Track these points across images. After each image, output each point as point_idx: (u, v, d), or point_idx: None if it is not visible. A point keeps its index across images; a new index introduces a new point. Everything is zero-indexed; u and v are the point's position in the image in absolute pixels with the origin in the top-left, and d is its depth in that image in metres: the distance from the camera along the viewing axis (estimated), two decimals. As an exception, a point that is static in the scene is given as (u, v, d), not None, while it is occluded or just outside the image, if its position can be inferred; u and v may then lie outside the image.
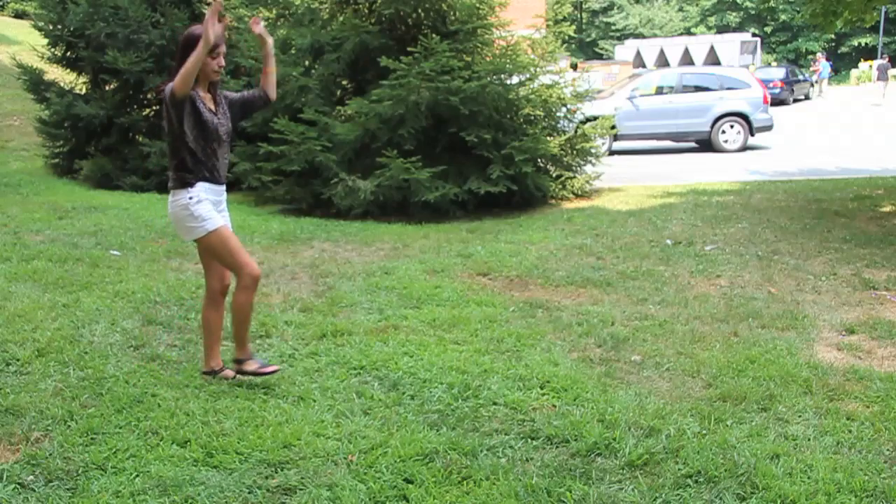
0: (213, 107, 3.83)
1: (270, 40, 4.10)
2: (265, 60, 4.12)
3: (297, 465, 3.15)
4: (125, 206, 9.19)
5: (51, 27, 12.67)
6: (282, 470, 3.11)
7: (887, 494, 2.92)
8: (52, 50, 12.73)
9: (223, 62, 3.85)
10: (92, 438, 3.31)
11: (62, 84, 12.81)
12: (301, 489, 2.98)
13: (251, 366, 3.96)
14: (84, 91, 12.73)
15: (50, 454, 3.15)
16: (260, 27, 4.05)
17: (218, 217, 3.83)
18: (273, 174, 9.79)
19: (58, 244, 6.84)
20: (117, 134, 12.20)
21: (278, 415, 3.59)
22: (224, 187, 3.96)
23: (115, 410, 3.58)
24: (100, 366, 4.11)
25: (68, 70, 12.95)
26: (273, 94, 4.14)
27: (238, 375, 4.02)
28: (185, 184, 3.76)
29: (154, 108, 12.73)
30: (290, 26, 10.75)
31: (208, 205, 3.80)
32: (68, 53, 12.71)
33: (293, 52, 10.59)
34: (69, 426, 3.41)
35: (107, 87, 12.49)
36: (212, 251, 3.90)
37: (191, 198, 3.75)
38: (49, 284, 5.59)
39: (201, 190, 3.78)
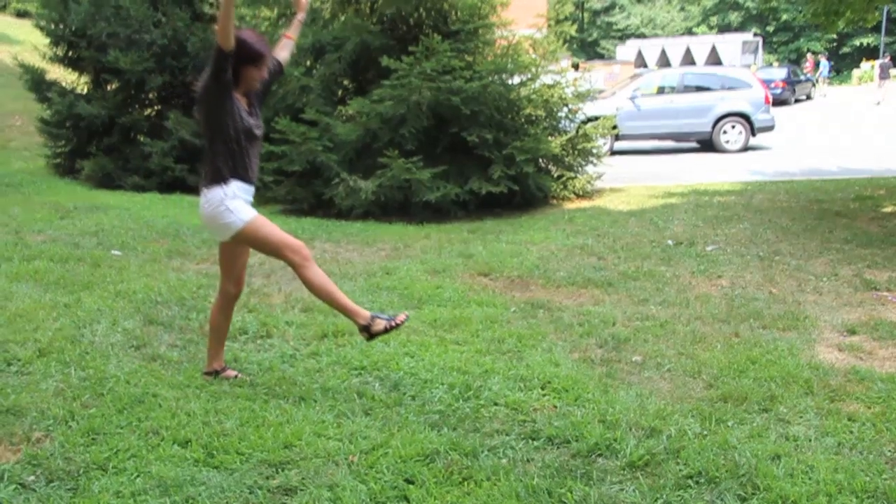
0: (248, 108, 3.81)
1: (303, 13, 4.15)
2: (293, 26, 4.15)
3: (297, 465, 3.15)
4: (127, 205, 9.20)
5: (52, 27, 12.68)
6: (283, 470, 3.11)
7: (888, 495, 2.92)
8: (54, 49, 12.74)
9: (266, 75, 3.85)
10: (93, 438, 3.31)
11: (64, 84, 12.83)
12: (302, 489, 2.98)
13: (379, 324, 3.80)
14: (86, 91, 12.75)
15: (51, 454, 3.15)
16: None
17: (252, 209, 3.80)
18: (274, 174, 9.79)
19: (59, 244, 6.84)
20: (119, 134, 12.21)
21: (279, 415, 3.59)
22: (253, 188, 3.90)
23: (116, 410, 3.58)
24: (101, 366, 4.11)
25: (70, 70, 12.97)
26: (287, 58, 4.13)
27: (239, 376, 4.02)
28: (221, 180, 3.72)
29: (156, 107, 12.76)
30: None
31: (242, 202, 3.77)
32: (70, 53, 12.73)
33: (294, 51, 10.58)
34: (70, 426, 3.41)
35: (108, 87, 12.52)
36: (252, 242, 3.84)
37: (225, 194, 3.71)
38: (50, 284, 5.59)
39: (235, 188, 3.74)
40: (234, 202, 3.72)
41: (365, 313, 3.83)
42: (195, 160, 11.61)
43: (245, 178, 3.78)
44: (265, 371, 4.18)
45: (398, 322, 3.81)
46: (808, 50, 49.39)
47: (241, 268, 4.04)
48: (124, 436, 3.34)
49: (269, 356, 4.41)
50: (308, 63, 10.58)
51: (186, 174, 11.59)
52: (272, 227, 3.80)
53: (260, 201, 10.33)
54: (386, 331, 3.82)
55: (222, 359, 4.11)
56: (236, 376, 4.04)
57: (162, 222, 8.09)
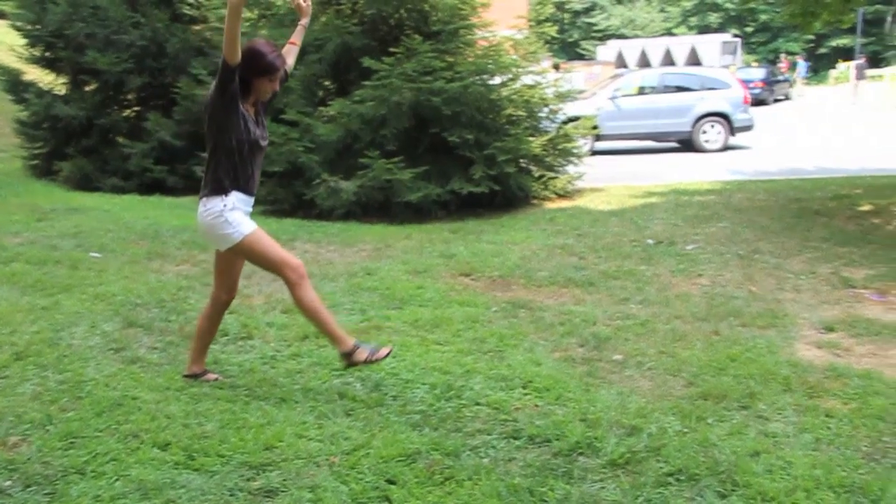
0: (255, 117, 3.78)
1: (307, 18, 4.12)
2: (297, 32, 4.13)
3: (279, 466, 3.14)
4: (105, 207, 9.14)
5: (29, 27, 12.56)
6: (264, 472, 3.10)
7: (865, 490, 2.95)
8: (31, 50, 12.62)
9: (278, 87, 3.84)
10: (71, 442, 3.28)
11: (41, 84, 12.70)
12: (283, 491, 2.97)
13: (361, 354, 3.83)
14: (63, 92, 12.65)
15: (28, 459, 3.12)
16: None
17: (251, 222, 3.78)
18: (255, 175, 9.73)
19: (37, 246, 6.78)
20: (97, 135, 12.12)
21: (260, 417, 3.57)
22: (253, 199, 3.87)
23: (94, 414, 3.55)
24: (79, 369, 4.07)
25: (47, 70, 12.86)
26: (292, 64, 4.13)
27: (219, 378, 4.01)
28: (221, 191, 3.69)
29: (135, 109, 12.67)
30: (271, 27, 10.69)
31: (241, 213, 3.74)
32: (47, 54, 12.62)
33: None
34: (48, 430, 3.38)
35: (86, 88, 12.42)
36: (249, 255, 3.82)
37: (224, 205, 3.69)
38: (28, 287, 5.54)
39: (235, 199, 3.71)
40: (234, 214, 3.70)
41: (349, 341, 3.85)
42: (175, 161, 11.55)
43: (246, 190, 3.77)
44: (246, 373, 4.17)
45: (380, 356, 3.85)
46: (786, 51, 49.87)
47: (236, 276, 4.02)
48: (103, 439, 3.31)
49: (249, 358, 4.39)
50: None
51: (166, 175, 11.52)
52: (270, 242, 3.80)
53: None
54: (366, 362, 3.85)
55: (203, 363, 4.08)
56: (216, 379, 4.02)
57: (142, 224, 8.04)
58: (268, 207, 9.96)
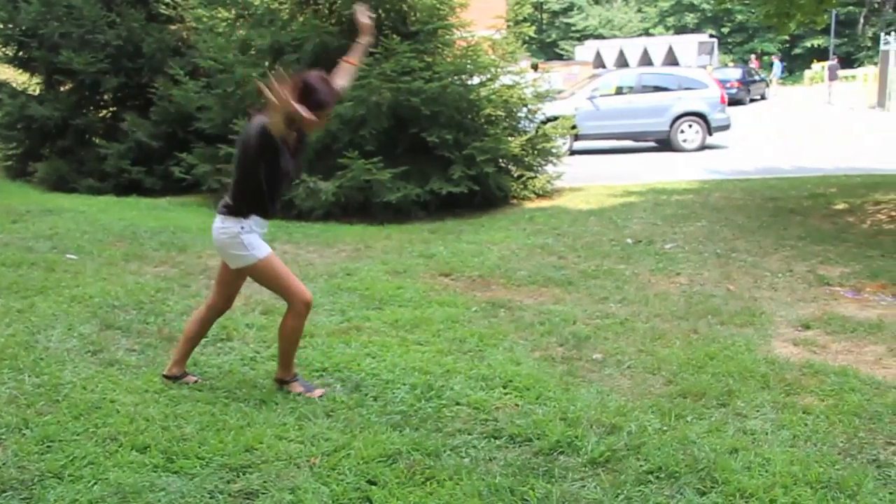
0: (294, 145, 3.72)
1: (367, 37, 4.09)
2: (356, 51, 4.09)
3: (259, 468, 3.12)
4: (81, 208, 9.04)
5: (2, 26, 12.40)
6: (244, 474, 3.08)
7: (841, 485, 2.98)
8: (4, 50, 12.47)
9: (324, 124, 3.84)
10: (48, 446, 3.24)
11: (15, 85, 12.55)
12: (263, 493, 2.96)
13: (296, 388, 3.89)
14: (38, 92, 12.52)
15: (3, 463, 3.08)
16: (365, 16, 4.04)
17: (265, 245, 3.77)
18: (233, 176, 9.69)
19: (12, 248, 6.70)
20: (73, 136, 12.00)
21: (240, 418, 3.56)
22: (268, 222, 3.86)
23: (72, 417, 3.51)
24: (56, 372, 4.03)
25: (21, 70, 12.71)
26: (346, 86, 4.09)
27: (199, 380, 3.99)
28: (239, 214, 3.68)
29: (111, 109, 12.56)
30: (249, 27, 10.66)
31: (257, 237, 3.73)
32: (21, 53, 12.47)
33: (253, 52, 10.51)
34: (24, 434, 3.34)
35: (61, 88, 12.29)
36: (260, 279, 3.83)
37: (242, 228, 3.67)
38: (3, 289, 5.47)
39: (252, 223, 3.70)
40: (250, 237, 3.69)
41: (292, 372, 3.94)
42: (152, 162, 11.46)
43: (265, 214, 3.77)
44: (225, 374, 4.14)
45: (312, 395, 3.86)
46: (760, 50, 50.37)
47: (237, 289, 4.00)
48: (81, 443, 3.28)
49: (229, 359, 4.36)
50: (267, 64, 10.48)
51: (144, 176, 11.42)
52: (283, 269, 3.82)
53: (219, 203, 10.26)
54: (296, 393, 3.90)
55: (184, 365, 4.05)
56: (196, 381, 3.99)
57: (118, 225, 7.96)
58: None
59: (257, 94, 9.49)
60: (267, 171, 3.62)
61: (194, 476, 3.05)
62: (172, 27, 12.24)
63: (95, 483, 2.98)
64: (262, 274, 3.78)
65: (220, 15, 11.05)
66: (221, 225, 3.72)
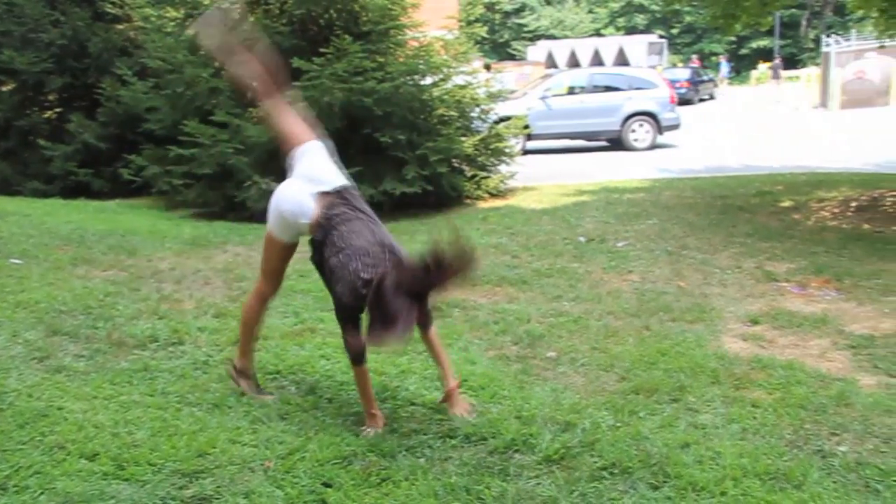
0: None
1: None
2: None
3: (212, 473, 3.08)
4: (27, 212, 8.81)
5: (-61, 25, 12.07)
6: (197, 479, 3.04)
7: (788, 476, 3.05)
8: (-60, 48, 12.13)
9: None
10: (-7, 456, 3.16)
11: (-46, 85, 12.23)
12: (217, 498, 2.92)
13: (243, 383, 3.85)
14: (-22, 92, 12.19)
15: (-53, 474, 3.00)
16: None
17: None
18: (184, 178, 9.57)
19: (-47, 253, 6.52)
20: (16, 137, 11.73)
21: (192, 423, 3.50)
22: None
23: (17, 426, 3.42)
24: (0, 380, 3.93)
25: (-40, 70, 12.38)
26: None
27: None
28: None
29: (57, 110, 12.29)
30: (198, 26, 10.52)
31: None
32: (-41, 53, 12.15)
33: (202, 52, 10.36)
34: (-32, 444, 3.25)
35: (3, 88, 11.99)
36: (265, 246, 3.80)
37: None
38: (-56, 296, 5.32)
39: None
40: None
41: (249, 365, 3.89)
42: (100, 164, 11.25)
43: None
44: (177, 379, 4.08)
45: (257, 396, 3.82)
46: (709, 52, 51.29)
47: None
48: (26, 452, 3.19)
49: (181, 363, 4.30)
50: (217, 64, 10.36)
51: (91, 179, 11.21)
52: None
53: (170, 205, 10.13)
54: (237, 385, 3.86)
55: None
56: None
57: (65, 229, 7.79)
58: (198, 210, 9.79)
59: (208, 96, 9.33)
60: None
61: (146, 483, 3.00)
62: (119, 26, 12.03)
63: (42, 493, 2.91)
64: (266, 244, 3.82)
65: (168, 14, 10.90)
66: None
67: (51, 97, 12.23)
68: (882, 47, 11.53)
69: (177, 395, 3.84)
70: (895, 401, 3.79)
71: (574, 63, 38.68)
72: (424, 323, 3.55)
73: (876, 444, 3.36)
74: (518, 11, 64.37)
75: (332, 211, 3.47)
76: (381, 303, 3.13)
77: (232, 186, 9.45)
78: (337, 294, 3.39)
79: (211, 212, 9.63)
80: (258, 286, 3.89)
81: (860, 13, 11.59)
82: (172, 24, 10.85)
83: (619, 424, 3.53)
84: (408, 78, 9.75)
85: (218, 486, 2.99)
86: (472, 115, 10.83)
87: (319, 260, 3.57)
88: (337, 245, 3.39)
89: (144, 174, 10.15)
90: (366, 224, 3.47)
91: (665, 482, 3.03)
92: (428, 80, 10.26)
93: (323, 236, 3.46)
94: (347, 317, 3.41)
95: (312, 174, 3.65)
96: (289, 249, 3.78)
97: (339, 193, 3.57)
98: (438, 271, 3.13)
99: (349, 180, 3.72)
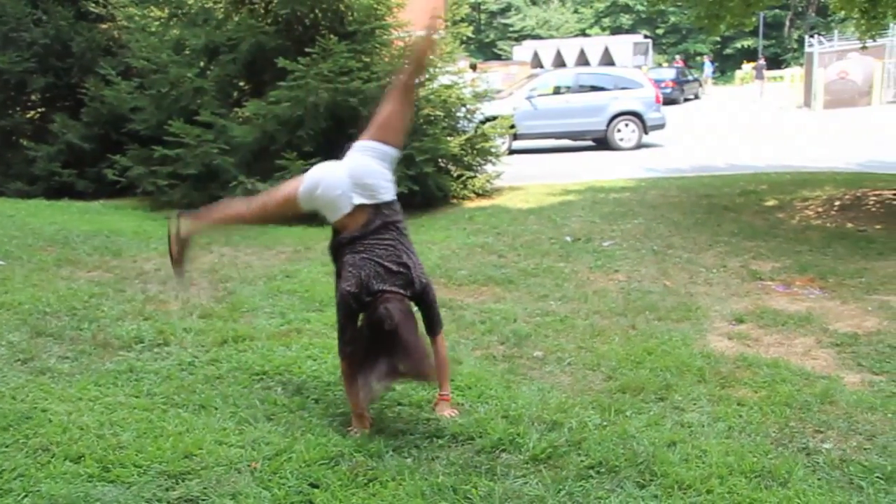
0: None
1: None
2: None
3: (198, 475, 3.07)
4: (10, 212, 8.75)
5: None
6: (183, 481, 3.03)
7: (773, 474, 3.07)
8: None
9: None
10: (-24, 459, 3.14)
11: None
12: (203, 500, 2.91)
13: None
14: (-41, 92, 12.08)
15: (-70, 477, 2.97)
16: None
17: None
18: (169, 178, 9.52)
19: (-65, 255, 6.46)
20: (-2, 137, 11.63)
21: (178, 424, 3.49)
22: None
23: (0, 428, 3.40)
24: (-16, 382, 3.90)
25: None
26: None
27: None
28: None
29: (40, 110, 12.19)
30: (183, 26, 10.47)
31: None
32: (-61, 52, 12.03)
33: (187, 52, 10.33)
34: (-49, 447, 3.23)
35: (-16, 89, 11.89)
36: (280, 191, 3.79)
37: None
38: (-74, 298, 5.27)
39: None
40: None
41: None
42: (84, 165, 11.17)
43: None
44: (163, 380, 4.05)
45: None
46: (695, 52, 51.55)
47: None
48: (10, 454, 3.17)
49: (166, 364, 4.27)
50: (202, 64, 10.33)
51: (75, 179, 11.11)
52: None
53: (155, 206, 10.07)
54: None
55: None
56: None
57: (49, 229, 7.73)
58: (183, 211, 9.73)
59: (193, 96, 9.27)
60: None
61: (131, 485, 2.98)
62: (103, 26, 11.95)
63: (26, 496, 2.89)
64: None
65: (152, 14, 10.84)
66: None
67: (34, 97, 12.14)
68: (864, 48, 11.57)
69: (163, 397, 3.82)
70: (878, 398, 3.82)
71: (560, 63, 38.79)
72: (432, 329, 3.59)
73: (860, 441, 3.39)
74: (504, 11, 64.46)
75: (367, 228, 3.49)
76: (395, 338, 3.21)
77: (217, 187, 9.40)
78: (339, 290, 3.43)
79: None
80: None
81: (842, 14, 11.64)
82: (157, 23, 10.79)
83: (605, 423, 3.54)
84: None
85: (204, 488, 2.97)
86: (458, 114, 10.84)
87: (336, 249, 3.60)
88: (357, 248, 3.44)
89: (129, 174, 10.09)
90: (392, 243, 3.54)
91: (652, 481, 3.05)
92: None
93: (349, 239, 3.49)
94: (345, 315, 3.41)
95: (363, 179, 3.57)
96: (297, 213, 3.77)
97: (378, 208, 3.54)
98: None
99: (393, 190, 3.65)
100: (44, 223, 8.10)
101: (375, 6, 9.92)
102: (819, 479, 3.06)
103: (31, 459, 3.14)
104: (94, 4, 11.49)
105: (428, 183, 9.74)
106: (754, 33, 44.47)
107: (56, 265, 6.39)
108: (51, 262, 6.45)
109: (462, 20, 11.14)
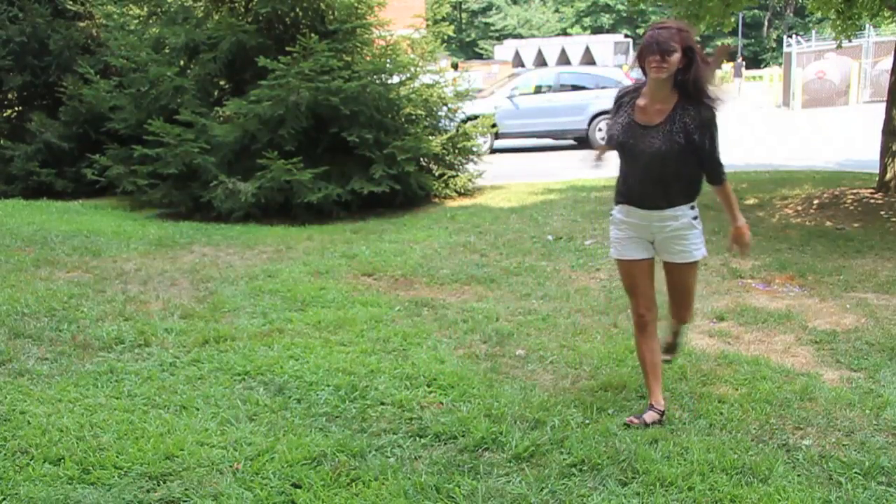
0: (651, 119, 3.59)
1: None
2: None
3: (180, 476, 3.05)
4: (-14, 213, 8.67)
5: None
6: (164, 482, 3.01)
7: (754, 470, 3.10)
8: None
9: (663, 62, 3.42)
10: (-46, 462, 3.10)
11: None
12: (185, 501, 2.90)
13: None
14: (-66, 91, 11.94)
15: None
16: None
17: (623, 248, 3.76)
18: (149, 177, 9.45)
19: (-89, 256, 6.38)
20: (-27, 137, 11.49)
21: (159, 426, 3.47)
22: (659, 213, 3.81)
23: (-21, 430, 3.37)
24: (-38, 384, 3.86)
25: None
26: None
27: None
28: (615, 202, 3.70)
29: (17, 108, 12.07)
30: (162, 24, 10.40)
31: (616, 229, 3.71)
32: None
33: (167, 51, 10.25)
34: (-72, 450, 3.19)
35: (-41, 87, 11.76)
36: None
37: (612, 215, 3.73)
38: None
39: (617, 211, 3.70)
40: (612, 228, 3.75)
41: (655, 402, 3.62)
42: (63, 164, 11.06)
43: (629, 201, 3.76)
44: (144, 381, 4.03)
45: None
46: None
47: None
48: (-11, 457, 3.15)
49: (147, 365, 4.25)
50: (182, 63, 10.26)
51: (54, 179, 11.01)
52: (628, 283, 3.95)
53: (135, 206, 10.00)
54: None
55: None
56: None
57: (27, 230, 7.66)
58: (164, 211, 9.67)
59: (173, 95, 9.21)
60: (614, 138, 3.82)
61: (112, 487, 2.96)
62: (81, 24, 11.84)
63: (4, 499, 2.86)
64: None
65: (131, 12, 10.76)
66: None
67: (10, 95, 12.01)
68: (840, 48, 11.68)
69: (143, 398, 3.80)
70: (857, 395, 3.86)
71: (541, 62, 38.86)
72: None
73: (838, 437, 3.43)
74: (485, 10, 64.56)
75: None
76: None
77: (198, 186, 9.36)
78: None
79: (177, 212, 9.52)
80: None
81: (819, 14, 11.75)
82: (136, 21, 10.71)
83: (587, 421, 3.56)
84: (375, 77, 9.72)
85: (186, 489, 2.96)
86: (440, 113, 10.83)
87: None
88: None
89: (108, 174, 10.01)
90: None
91: (634, 478, 3.06)
92: (395, 79, 10.24)
93: None
94: None
95: None
96: None
97: None
98: None
99: None
100: (21, 223, 8.03)
101: (356, 5, 9.90)
102: (799, 476, 3.09)
103: (9, 462, 3.12)
104: (71, 2, 11.38)
105: (410, 182, 9.73)
106: (734, 33, 44.76)
107: (34, 266, 6.33)
108: (29, 263, 6.39)
109: (443, 19, 11.14)
